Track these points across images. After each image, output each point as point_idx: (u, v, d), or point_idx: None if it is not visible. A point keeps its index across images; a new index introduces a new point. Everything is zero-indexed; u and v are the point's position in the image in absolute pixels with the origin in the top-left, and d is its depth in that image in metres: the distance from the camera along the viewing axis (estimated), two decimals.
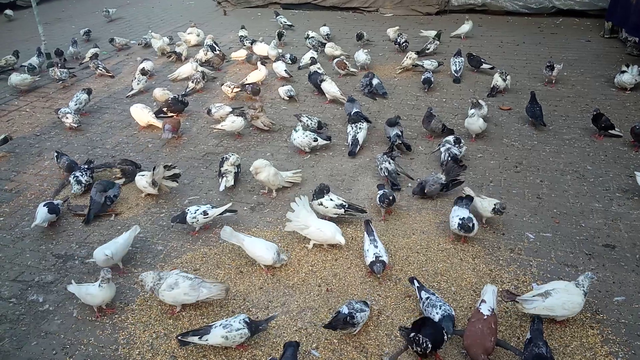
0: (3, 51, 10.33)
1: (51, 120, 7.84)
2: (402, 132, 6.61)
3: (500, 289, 4.23)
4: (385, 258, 4.34)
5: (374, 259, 4.32)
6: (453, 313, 3.80)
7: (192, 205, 5.18)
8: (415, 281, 4.16)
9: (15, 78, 8.76)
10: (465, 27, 11.57)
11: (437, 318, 3.70)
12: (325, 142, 6.61)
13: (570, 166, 6.20)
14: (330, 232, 4.69)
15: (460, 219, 4.72)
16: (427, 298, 3.89)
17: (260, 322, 3.83)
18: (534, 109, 7.25)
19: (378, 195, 5.17)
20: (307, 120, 6.99)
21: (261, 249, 4.47)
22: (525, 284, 4.38)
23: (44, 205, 5.20)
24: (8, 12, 14.77)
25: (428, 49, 10.29)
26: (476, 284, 4.38)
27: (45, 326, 4.12)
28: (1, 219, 5.50)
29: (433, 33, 11.04)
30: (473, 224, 4.69)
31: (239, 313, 4.08)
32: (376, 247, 4.41)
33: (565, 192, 5.69)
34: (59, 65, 9.47)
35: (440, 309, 3.76)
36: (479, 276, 4.47)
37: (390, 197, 5.12)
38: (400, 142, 6.48)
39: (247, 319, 3.73)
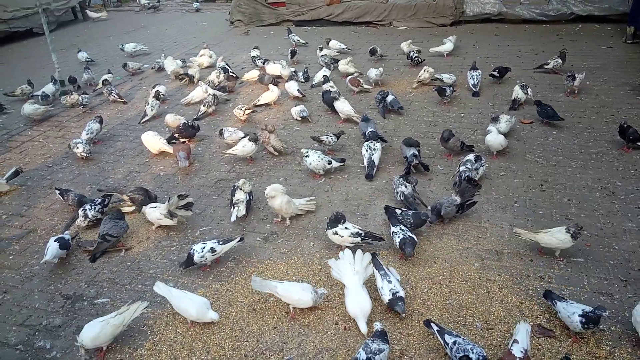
0: (20, 79, 10.36)
1: (64, 150, 7.77)
2: (419, 151, 6.35)
3: (532, 323, 3.95)
4: (402, 293, 4.07)
5: (391, 296, 4.05)
6: (486, 354, 3.52)
7: (197, 243, 4.95)
8: (432, 324, 3.85)
9: (28, 108, 8.75)
10: (449, 45, 10.96)
11: None
12: (339, 164, 6.40)
13: (599, 182, 5.88)
14: (356, 308, 4.08)
15: (580, 315, 3.74)
16: (455, 342, 3.60)
17: None
18: (545, 110, 7.21)
19: (398, 240, 4.80)
20: (326, 138, 6.82)
21: (298, 292, 4.19)
22: (558, 316, 4.06)
23: (55, 241, 5.07)
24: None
25: (547, 64, 9.42)
26: (505, 318, 4.09)
27: None
28: (11, 257, 5.38)
29: (445, 49, 10.78)
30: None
31: (252, 358, 3.87)
32: (389, 281, 4.14)
33: (595, 212, 5.36)
34: (74, 92, 9.44)
35: (473, 352, 3.48)
36: (508, 309, 4.18)
37: (409, 241, 4.70)
38: (418, 162, 6.23)
39: None
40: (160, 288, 4.34)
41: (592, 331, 3.86)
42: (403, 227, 4.83)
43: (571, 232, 4.53)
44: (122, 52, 12.95)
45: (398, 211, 5.18)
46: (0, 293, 4.84)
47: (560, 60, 9.24)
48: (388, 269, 4.31)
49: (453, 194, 5.35)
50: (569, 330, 3.89)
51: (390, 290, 4.08)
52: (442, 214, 5.20)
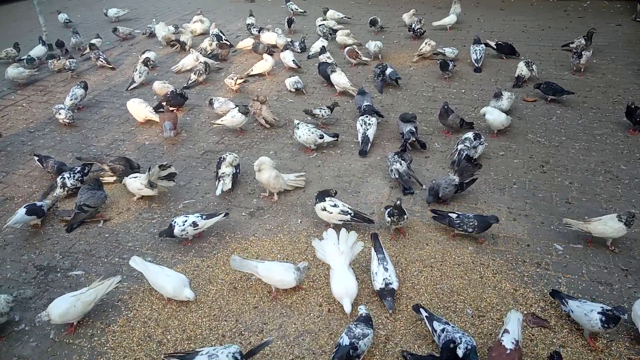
0: (7, 43, 9.94)
1: (47, 115, 7.46)
2: (416, 128, 6.07)
3: (526, 312, 3.74)
4: (395, 285, 3.84)
5: (383, 285, 3.82)
6: (474, 344, 3.31)
7: (179, 215, 4.71)
8: (421, 310, 3.65)
9: (12, 71, 8.41)
10: (452, 18, 10.52)
11: (460, 354, 3.21)
12: (332, 139, 6.12)
13: (602, 165, 5.62)
14: (341, 290, 3.84)
15: (599, 313, 3.45)
16: (443, 330, 3.38)
17: (255, 348, 3.39)
18: (551, 86, 7.01)
19: (386, 211, 4.58)
20: (319, 112, 6.55)
21: (280, 272, 3.95)
22: (554, 305, 3.86)
23: (24, 207, 4.85)
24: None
25: (572, 43, 8.77)
26: (497, 305, 3.88)
27: (19, 349, 3.74)
28: None
29: (448, 21, 10.40)
30: None
31: (230, 338, 3.66)
32: (386, 269, 3.89)
33: (597, 196, 5.12)
34: (62, 57, 9.08)
35: (461, 342, 3.26)
36: (501, 296, 3.96)
37: (397, 210, 4.46)
38: (415, 139, 5.95)
39: (237, 354, 3.27)
40: (136, 262, 4.11)
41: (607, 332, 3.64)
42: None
43: (624, 220, 4.24)
44: (107, 17, 12.51)
45: (453, 215, 4.57)
46: None
47: (583, 41, 8.53)
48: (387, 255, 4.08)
49: (450, 173, 5.09)
50: (565, 321, 3.69)
51: (384, 280, 3.84)
52: (439, 195, 4.95)
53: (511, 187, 5.31)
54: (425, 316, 3.57)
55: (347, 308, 3.74)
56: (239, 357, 3.24)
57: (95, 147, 6.53)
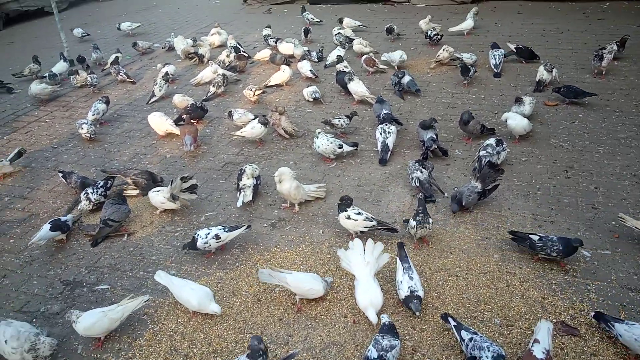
0: (29, 60, 10.15)
1: (70, 131, 7.59)
2: (437, 135, 6.03)
3: (555, 321, 3.67)
4: (421, 292, 3.80)
5: (408, 293, 3.78)
6: (504, 353, 3.25)
7: (202, 228, 4.73)
8: (450, 319, 3.60)
9: (35, 87, 8.57)
10: (469, 23, 10.39)
11: None
12: (351, 148, 6.11)
13: (628, 170, 5.51)
14: (366, 300, 3.80)
15: None
16: (471, 339, 3.34)
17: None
18: (572, 89, 6.95)
19: (412, 216, 4.53)
20: (338, 121, 6.55)
21: (309, 282, 3.97)
22: (583, 312, 3.78)
23: (48, 223, 4.92)
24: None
25: (604, 49, 7.95)
26: (526, 314, 3.81)
27: None
28: (11, 241, 5.22)
29: (465, 27, 10.34)
30: None
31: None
32: (411, 278, 3.86)
33: (623, 201, 5.02)
34: (84, 71, 9.24)
35: (489, 350, 3.22)
36: (529, 304, 3.89)
37: (421, 208, 4.43)
38: (436, 146, 5.91)
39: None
40: (161, 277, 4.14)
41: None
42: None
43: None
44: (121, 32, 12.79)
45: (535, 237, 4.25)
46: None
47: (615, 47, 8.04)
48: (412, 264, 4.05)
49: (472, 179, 5.04)
50: (596, 329, 3.61)
51: (409, 288, 3.81)
52: (463, 204, 4.90)
53: (535, 193, 5.24)
54: (454, 325, 3.52)
55: (373, 318, 3.70)
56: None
57: (117, 161, 6.62)
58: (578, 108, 6.96)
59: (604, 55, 7.72)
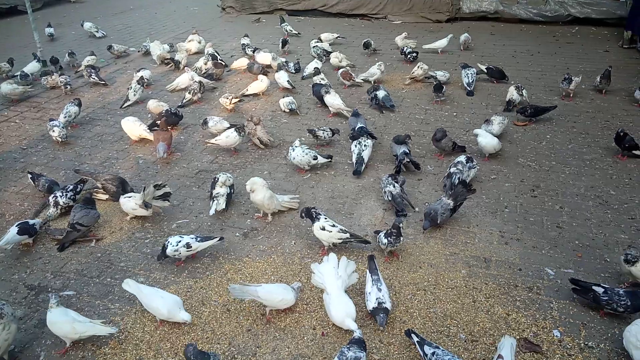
0: (1, 58, 9.93)
1: (40, 132, 7.45)
2: (409, 150, 6.13)
3: (518, 337, 3.76)
4: (388, 305, 3.85)
5: (376, 305, 3.82)
6: None
7: (173, 235, 4.68)
8: (413, 335, 3.65)
9: (5, 87, 8.39)
10: (444, 42, 10.67)
11: None
12: (325, 160, 6.16)
13: (592, 190, 5.70)
14: (341, 313, 3.82)
15: None
16: (434, 353, 3.40)
17: None
18: (534, 108, 7.37)
19: (382, 232, 4.59)
20: (322, 133, 6.63)
21: (280, 293, 3.97)
22: (546, 330, 3.89)
23: (16, 225, 4.82)
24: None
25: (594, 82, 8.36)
26: (490, 330, 3.89)
27: None
28: None
29: (441, 45, 10.52)
30: None
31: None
32: (379, 289, 3.91)
33: (587, 221, 5.19)
34: (55, 73, 9.09)
35: None
36: (494, 320, 3.98)
37: (395, 231, 4.48)
38: (408, 160, 6.01)
39: None
40: (129, 285, 4.09)
41: (581, 348, 3.69)
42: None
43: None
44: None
45: (599, 289, 3.93)
46: None
47: (598, 80, 8.25)
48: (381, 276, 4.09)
49: (443, 195, 5.14)
50: (557, 346, 3.72)
51: (377, 299, 3.85)
52: (438, 221, 4.97)
53: (503, 210, 5.37)
54: (417, 341, 3.58)
55: (354, 327, 3.67)
56: None
57: (88, 164, 6.52)
58: (546, 129, 7.18)
59: (573, 78, 7.98)
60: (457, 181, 5.34)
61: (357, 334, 3.55)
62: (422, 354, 3.51)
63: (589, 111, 7.74)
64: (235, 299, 4.18)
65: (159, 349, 3.81)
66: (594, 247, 4.78)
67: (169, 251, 4.48)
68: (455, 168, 5.63)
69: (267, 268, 4.62)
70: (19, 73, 9.14)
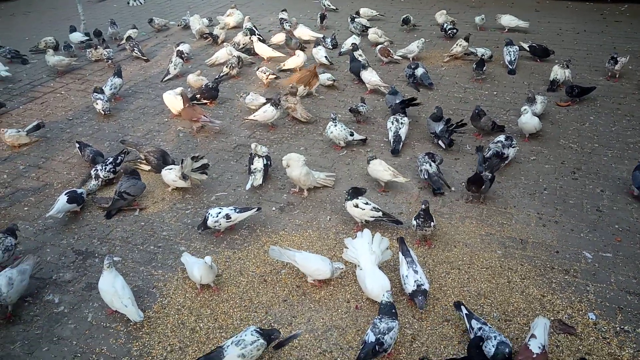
0: (45, 30, 10.20)
1: (85, 104, 7.69)
2: (449, 123, 6.10)
3: (553, 319, 3.77)
4: (427, 286, 3.89)
5: (415, 287, 3.85)
6: (509, 343, 3.37)
7: (213, 207, 4.84)
8: (463, 307, 3.71)
9: (52, 59, 8.65)
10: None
11: (492, 352, 3.29)
12: (360, 138, 6.19)
13: None
14: (377, 286, 3.88)
15: None
16: (480, 328, 3.46)
17: (272, 330, 3.57)
18: (576, 88, 7.09)
19: (415, 217, 4.55)
20: (362, 108, 6.69)
21: (316, 262, 4.10)
22: (581, 312, 3.88)
23: (65, 194, 5.02)
24: None
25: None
26: (524, 310, 3.91)
27: (59, 330, 3.91)
28: (25, 208, 5.35)
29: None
30: None
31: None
32: (416, 271, 3.94)
33: (628, 205, 5.09)
34: (100, 46, 9.29)
35: (495, 340, 3.36)
36: (528, 301, 3.99)
37: (423, 213, 4.41)
38: (449, 135, 6.03)
39: (257, 329, 3.47)
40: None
41: (616, 332, 3.68)
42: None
43: None
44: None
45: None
46: None
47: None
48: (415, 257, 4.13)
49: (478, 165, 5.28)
50: (592, 329, 3.71)
51: (415, 282, 3.88)
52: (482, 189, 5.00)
53: (542, 192, 5.31)
54: (465, 314, 3.64)
55: (390, 299, 3.66)
56: (260, 331, 3.46)
57: (131, 136, 6.71)
58: (589, 110, 7.00)
59: (619, 58, 7.71)
60: (492, 154, 5.37)
61: (386, 297, 3.56)
62: (468, 327, 3.57)
63: (635, 93, 7.49)
64: (271, 264, 4.33)
65: (199, 314, 3.97)
66: (633, 232, 4.70)
67: (209, 222, 4.63)
68: (494, 146, 5.59)
69: (302, 242, 4.72)
70: (64, 44, 9.37)
